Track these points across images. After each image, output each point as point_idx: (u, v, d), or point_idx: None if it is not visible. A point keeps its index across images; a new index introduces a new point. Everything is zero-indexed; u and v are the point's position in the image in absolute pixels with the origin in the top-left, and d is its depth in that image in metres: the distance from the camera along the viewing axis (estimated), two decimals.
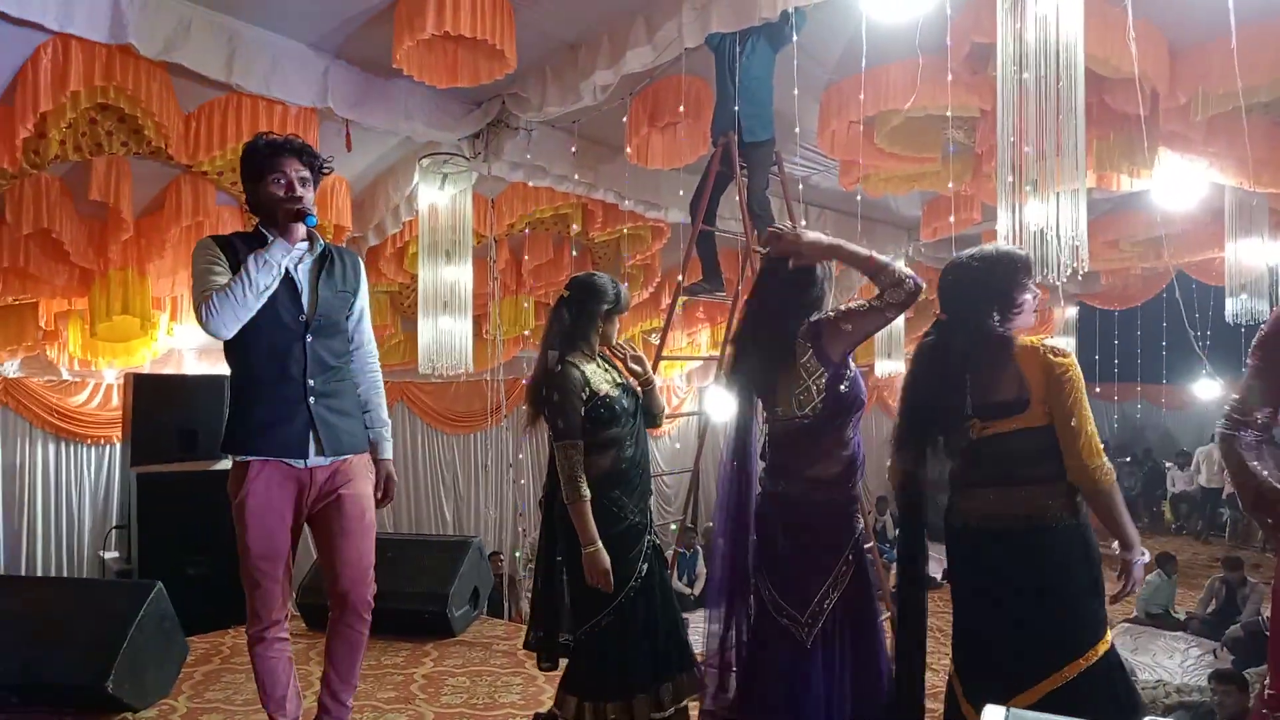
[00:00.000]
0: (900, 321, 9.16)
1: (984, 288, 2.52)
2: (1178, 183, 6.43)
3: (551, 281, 7.72)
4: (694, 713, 3.13)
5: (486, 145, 5.76)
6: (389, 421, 3.05)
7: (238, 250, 2.67)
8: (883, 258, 2.57)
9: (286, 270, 2.68)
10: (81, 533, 7.89)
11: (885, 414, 15.49)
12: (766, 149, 5.13)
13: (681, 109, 5.29)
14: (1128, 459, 15.07)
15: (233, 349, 2.72)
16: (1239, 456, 2.15)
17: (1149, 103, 4.88)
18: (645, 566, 3.03)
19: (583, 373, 2.99)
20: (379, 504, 2.97)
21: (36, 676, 3.64)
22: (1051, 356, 2.42)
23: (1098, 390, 13.44)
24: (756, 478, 2.86)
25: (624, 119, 5.59)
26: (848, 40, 4.83)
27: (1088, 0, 3.41)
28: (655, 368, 3.68)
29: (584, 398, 2.96)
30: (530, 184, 6.32)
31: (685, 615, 3.34)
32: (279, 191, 2.69)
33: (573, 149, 5.86)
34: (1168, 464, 14.86)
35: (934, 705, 2.76)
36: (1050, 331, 12.88)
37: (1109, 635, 2.44)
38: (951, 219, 7.10)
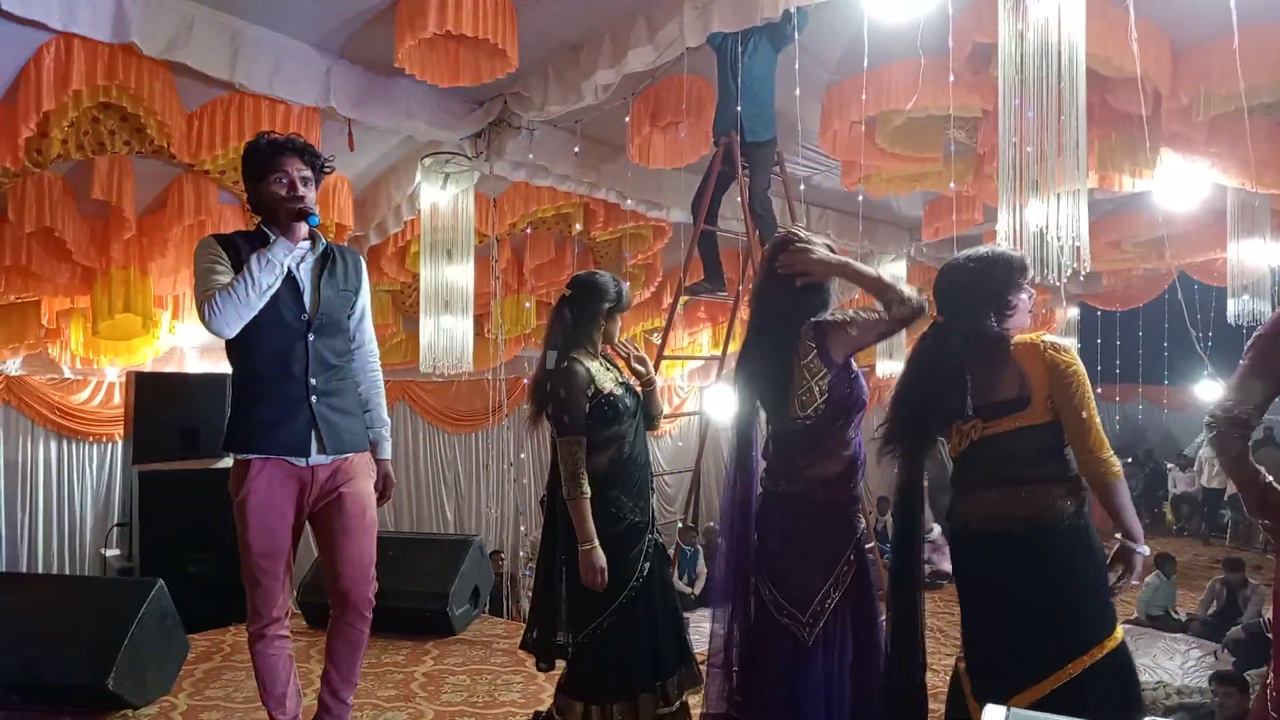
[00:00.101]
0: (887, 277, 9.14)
1: (980, 289, 2.52)
2: (1180, 183, 6.42)
3: (553, 281, 7.73)
4: (695, 713, 3.14)
5: (488, 144, 5.77)
6: (389, 421, 3.06)
7: (240, 249, 2.68)
8: (888, 278, 2.64)
9: (289, 269, 2.69)
10: (83, 530, 7.91)
11: None
12: (768, 149, 5.13)
13: (683, 108, 5.30)
14: (1129, 460, 15.05)
15: (235, 348, 2.73)
16: (1236, 453, 2.16)
17: (1151, 103, 4.87)
18: (647, 566, 3.03)
19: (588, 369, 2.99)
20: (376, 503, 2.97)
21: (37, 674, 3.64)
22: (1054, 353, 2.42)
23: (1099, 391, 13.30)
24: (758, 478, 2.86)
25: (626, 119, 5.59)
26: (849, 40, 4.83)
27: (1089, 0, 3.41)
28: (656, 367, 3.69)
29: (589, 395, 2.96)
30: (532, 183, 6.32)
31: (685, 614, 3.34)
32: (281, 191, 2.69)
33: (575, 149, 5.87)
34: (1169, 465, 14.85)
35: (934, 705, 2.76)
36: (1052, 332, 12.86)
37: (1119, 631, 2.44)
38: (954, 219, 7.10)
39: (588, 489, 2.91)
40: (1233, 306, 7.82)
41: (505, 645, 4.68)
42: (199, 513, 5.90)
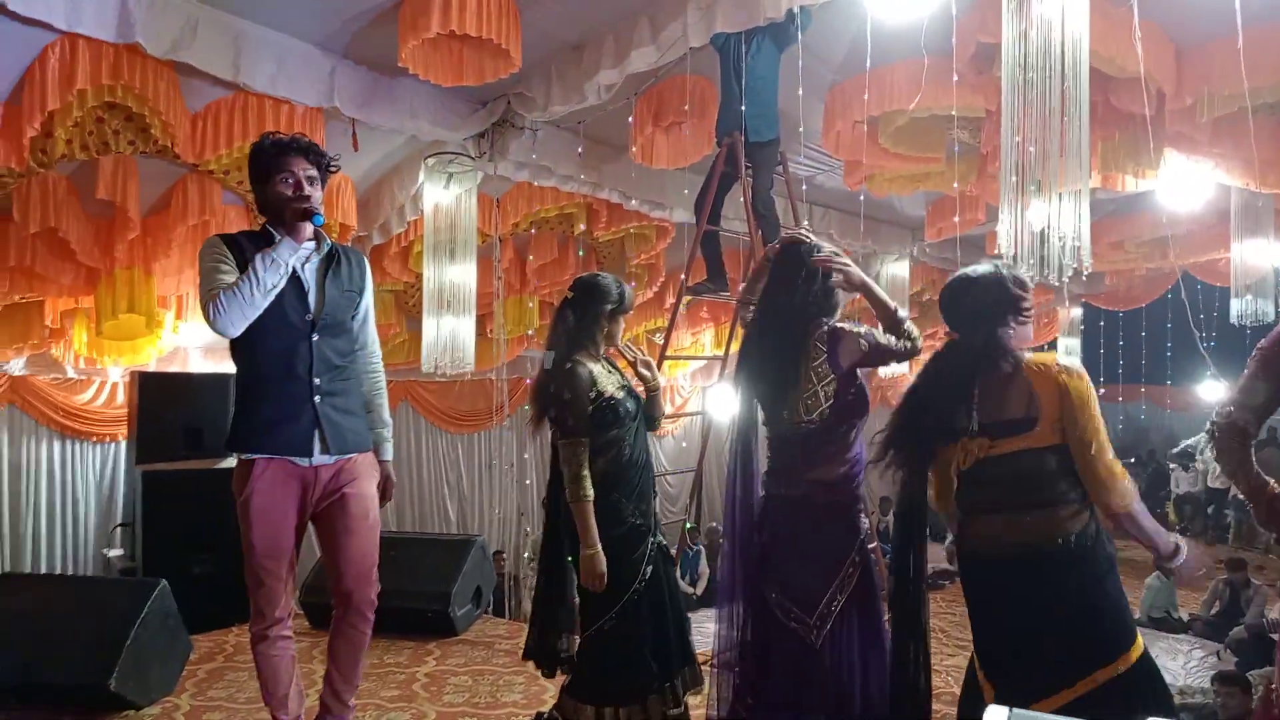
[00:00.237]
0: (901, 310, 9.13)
1: (992, 303, 2.50)
2: (1183, 183, 6.42)
3: (556, 281, 7.72)
4: (696, 713, 3.14)
5: (492, 145, 5.77)
6: (390, 423, 3.06)
7: (245, 249, 2.68)
8: (901, 312, 2.75)
9: (293, 269, 2.69)
10: (86, 531, 7.91)
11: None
12: (771, 149, 5.13)
13: (686, 109, 5.29)
14: (1131, 460, 15.03)
15: (239, 347, 2.73)
16: (1233, 460, 2.15)
17: (1154, 103, 4.87)
18: (649, 569, 3.03)
19: (590, 371, 2.99)
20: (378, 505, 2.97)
21: (40, 674, 3.65)
22: (1065, 377, 2.39)
23: (1102, 392, 13.42)
24: (759, 479, 2.87)
25: (629, 119, 5.59)
26: (852, 40, 4.83)
27: (1093, 0, 3.41)
28: (659, 366, 3.69)
29: (591, 397, 2.96)
30: (535, 183, 6.32)
31: (688, 614, 3.34)
32: (286, 191, 2.69)
33: (578, 149, 5.87)
34: (1171, 465, 14.83)
35: (937, 706, 2.76)
36: (1055, 333, 12.86)
37: (1140, 641, 2.42)
38: (957, 219, 7.09)
39: (590, 491, 2.91)
40: (1236, 306, 7.82)
41: (507, 646, 4.69)
42: (202, 513, 5.91)
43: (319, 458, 2.75)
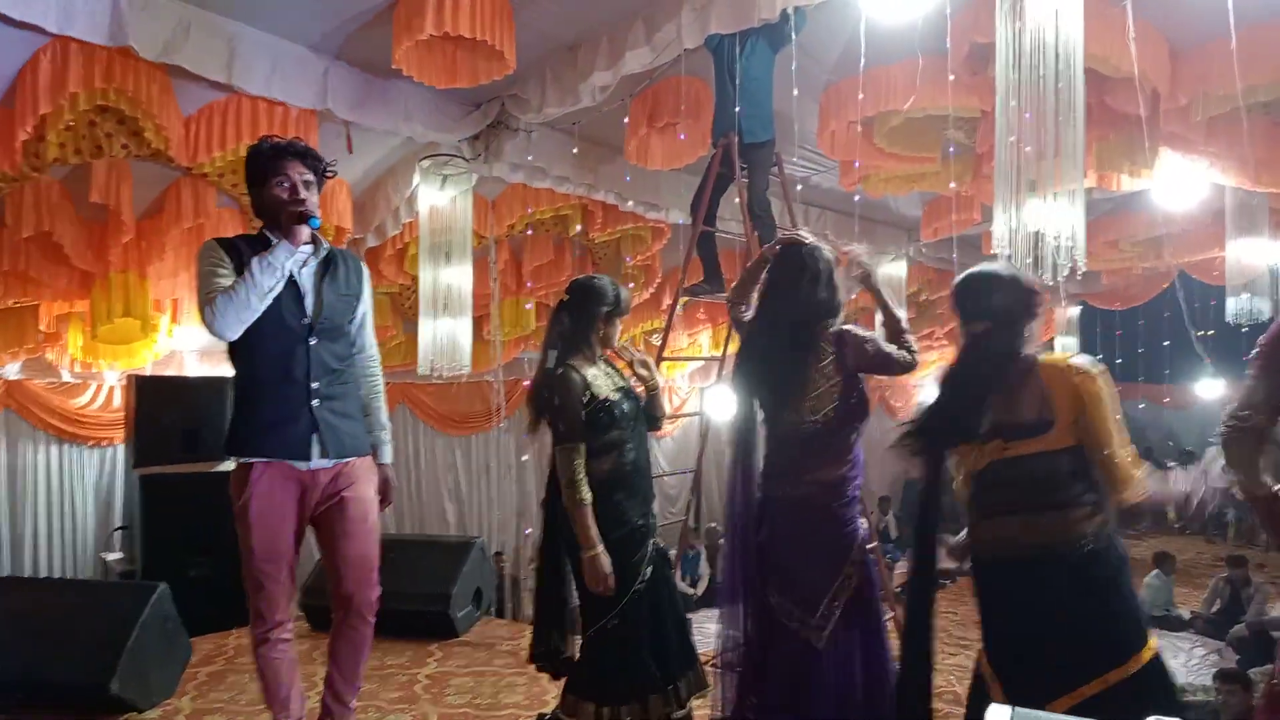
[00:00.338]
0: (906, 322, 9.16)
1: (1013, 304, 2.50)
2: (1178, 183, 6.42)
3: (552, 282, 7.72)
4: (697, 712, 3.14)
5: (486, 147, 5.76)
6: (389, 425, 3.06)
7: (242, 253, 2.68)
8: (906, 325, 2.80)
9: (290, 273, 2.69)
10: (85, 534, 7.90)
11: (888, 415, 15.51)
12: (767, 150, 5.13)
13: (681, 110, 5.29)
14: None
15: (237, 351, 2.73)
16: (1244, 465, 2.14)
17: (1149, 103, 4.87)
18: (650, 570, 3.02)
19: (583, 376, 2.98)
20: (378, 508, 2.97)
21: (41, 677, 3.65)
22: (1078, 378, 2.39)
23: None
24: (757, 479, 2.87)
25: (624, 120, 5.59)
26: (847, 40, 4.82)
27: (1088, 1, 3.41)
28: (657, 368, 3.69)
29: (585, 401, 2.95)
30: (530, 185, 6.32)
31: (688, 615, 3.34)
32: (283, 194, 2.70)
33: (573, 150, 5.87)
34: (1170, 464, 14.83)
35: (938, 705, 2.76)
36: (1052, 331, 12.87)
37: (1153, 642, 2.42)
38: (953, 219, 7.10)
39: (587, 495, 2.89)
40: (1232, 305, 7.83)
41: (508, 647, 4.69)
42: (200, 516, 5.89)
43: (317, 461, 2.75)
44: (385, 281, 7.25)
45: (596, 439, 2.96)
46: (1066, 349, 12.71)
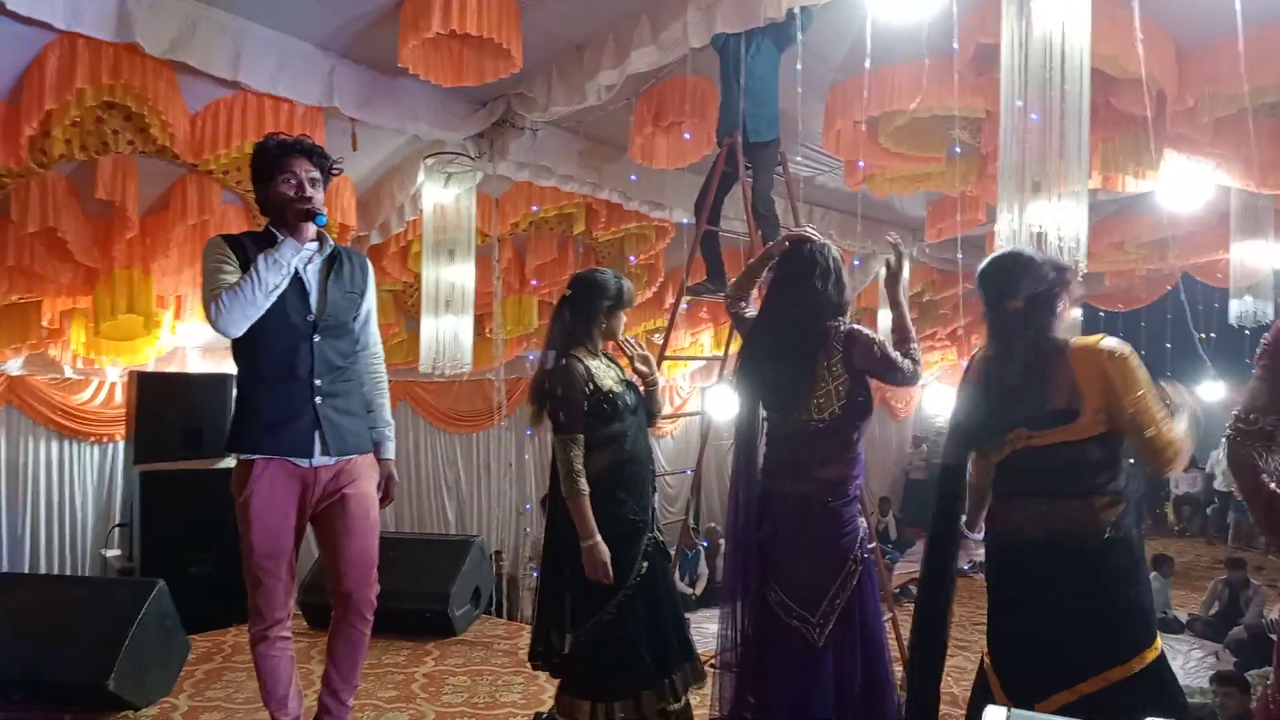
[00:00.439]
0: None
1: (1047, 288, 2.47)
2: (1183, 184, 6.41)
3: (556, 281, 7.71)
4: (700, 712, 3.13)
5: (491, 145, 5.76)
6: (392, 422, 3.05)
7: (247, 249, 2.68)
8: (914, 334, 2.81)
9: (295, 270, 2.69)
10: (84, 531, 7.90)
11: (889, 415, 15.51)
12: (771, 149, 5.12)
13: (686, 109, 5.29)
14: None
15: (240, 348, 2.73)
16: (1247, 467, 2.11)
17: (1155, 104, 4.87)
18: (645, 565, 3.02)
19: (586, 367, 2.98)
20: (380, 504, 2.97)
21: (38, 674, 3.64)
22: (1107, 361, 2.35)
23: None
24: (759, 477, 2.87)
25: (629, 119, 5.58)
26: (853, 40, 4.82)
27: (1094, 1, 3.40)
28: (659, 367, 3.69)
29: (587, 392, 2.95)
30: (535, 183, 6.32)
31: (686, 615, 3.34)
32: (289, 192, 2.70)
33: (578, 149, 5.86)
34: None
35: (943, 706, 2.75)
36: None
37: (1159, 643, 2.40)
38: (958, 219, 7.09)
39: (585, 486, 2.90)
40: (1235, 307, 7.81)
41: (506, 646, 4.68)
42: (200, 513, 5.89)
43: (319, 458, 2.75)
44: (388, 279, 7.25)
45: (598, 431, 2.96)
46: None
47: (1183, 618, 9.26)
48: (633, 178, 6.40)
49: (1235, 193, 7.09)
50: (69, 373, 7.55)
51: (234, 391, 2.85)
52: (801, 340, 2.76)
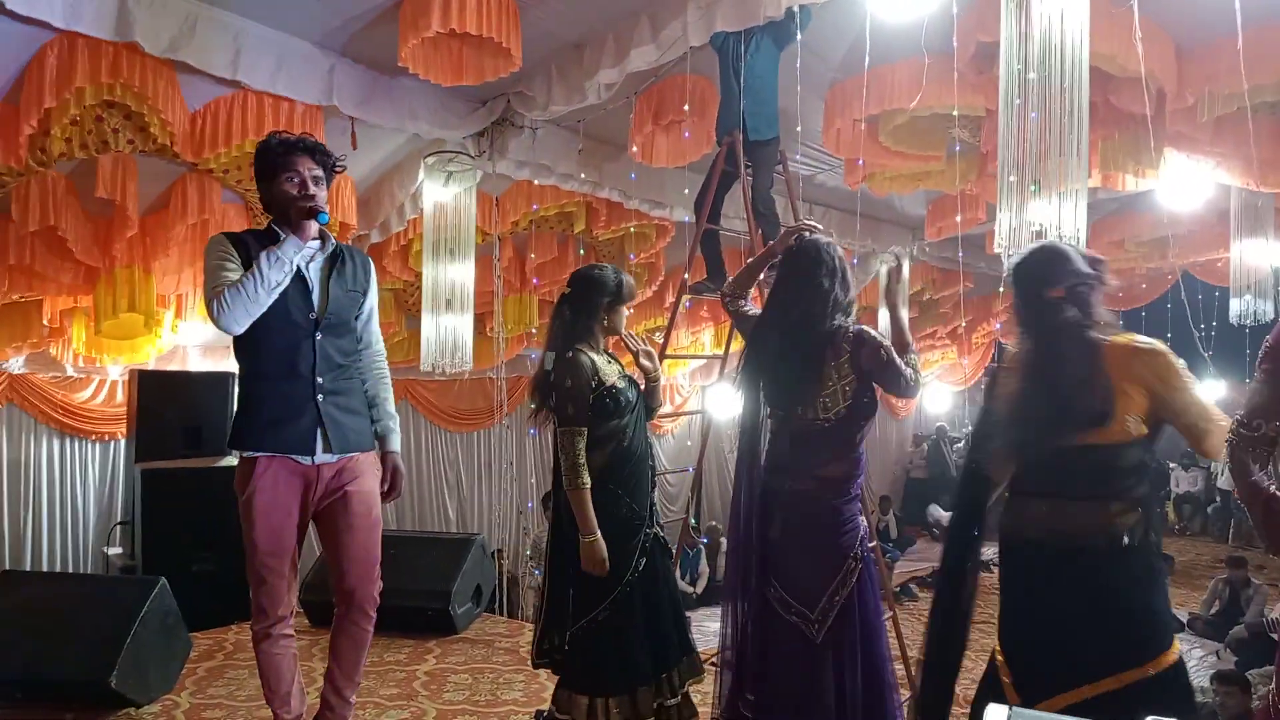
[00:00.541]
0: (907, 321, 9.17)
1: (1086, 284, 2.43)
2: (1183, 183, 6.41)
3: (556, 279, 7.71)
4: (701, 710, 3.14)
5: (491, 144, 5.77)
6: (396, 415, 3.05)
7: (250, 247, 2.69)
8: (912, 343, 2.85)
9: (298, 268, 2.70)
10: (85, 529, 7.91)
11: (889, 414, 15.51)
12: (771, 148, 5.13)
13: (686, 107, 5.29)
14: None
15: (242, 345, 2.74)
16: (1247, 469, 2.10)
17: (1155, 103, 4.87)
18: (643, 561, 3.02)
19: (593, 361, 2.99)
20: (386, 497, 2.97)
21: (40, 672, 3.65)
22: (1145, 360, 2.30)
23: None
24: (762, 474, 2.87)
25: (629, 117, 5.58)
26: (853, 39, 4.82)
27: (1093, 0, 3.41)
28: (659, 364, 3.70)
29: (593, 386, 2.95)
30: (535, 182, 6.32)
31: (687, 613, 3.34)
32: (292, 190, 2.71)
33: (578, 147, 5.87)
34: (1171, 465, 14.84)
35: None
36: None
37: (1176, 647, 2.36)
38: (958, 218, 7.09)
39: (588, 479, 2.91)
40: (1235, 306, 7.81)
41: (507, 644, 4.69)
42: (202, 511, 5.90)
43: (321, 456, 2.75)
44: (389, 278, 7.25)
45: (600, 425, 2.96)
46: None
47: (1183, 617, 9.25)
48: (632, 176, 6.40)
49: (1235, 191, 7.09)
50: (70, 371, 7.57)
51: (235, 390, 2.85)
52: (809, 339, 2.76)
